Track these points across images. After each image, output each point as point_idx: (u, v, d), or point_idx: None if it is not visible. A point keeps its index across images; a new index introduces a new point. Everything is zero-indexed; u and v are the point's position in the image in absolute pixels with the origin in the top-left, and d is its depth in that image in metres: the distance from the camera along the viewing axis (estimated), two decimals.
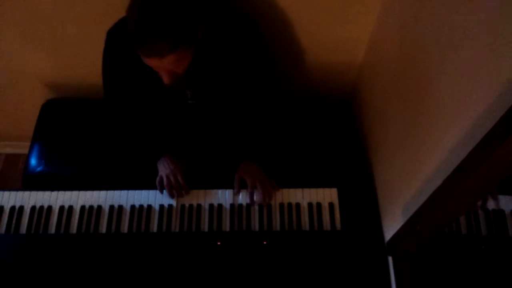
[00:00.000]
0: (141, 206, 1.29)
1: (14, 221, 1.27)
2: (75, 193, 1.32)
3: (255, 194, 1.28)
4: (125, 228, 1.27)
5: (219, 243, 1.23)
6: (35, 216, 1.28)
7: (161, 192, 1.30)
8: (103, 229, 1.26)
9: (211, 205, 1.30)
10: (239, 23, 1.16)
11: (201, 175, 1.36)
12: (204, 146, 1.43)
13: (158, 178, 1.30)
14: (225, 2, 1.21)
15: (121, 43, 1.14)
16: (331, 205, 1.30)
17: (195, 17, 0.98)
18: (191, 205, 1.30)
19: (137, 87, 1.22)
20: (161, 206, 1.29)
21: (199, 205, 1.30)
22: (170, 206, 1.29)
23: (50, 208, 1.29)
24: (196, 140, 1.44)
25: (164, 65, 1.00)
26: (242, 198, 1.31)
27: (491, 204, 1.01)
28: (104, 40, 1.17)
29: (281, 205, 1.30)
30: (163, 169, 1.29)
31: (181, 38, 0.95)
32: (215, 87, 1.23)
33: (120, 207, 1.29)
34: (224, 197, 1.31)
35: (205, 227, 1.27)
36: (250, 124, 1.35)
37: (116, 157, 1.48)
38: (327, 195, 1.32)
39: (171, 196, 1.29)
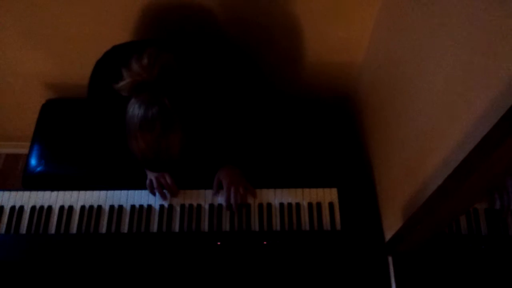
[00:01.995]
0: (141, 206, 1.29)
1: (14, 221, 1.27)
2: (75, 193, 1.32)
3: (229, 197, 1.28)
4: (125, 228, 1.27)
5: (219, 243, 1.23)
6: (35, 216, 1.28)
7: (154, 194, 1.30)
8: (103, 229, 1.26)
9: (211, 205, 1.30)
10: (225, 52, 1.15)
11: (200, 175, 1.37)
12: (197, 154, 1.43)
13: (148, 181, 1.30)
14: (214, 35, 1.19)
15: (107, 77, 1.12)
16: (331, 205, 1.30)
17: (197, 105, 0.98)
18: (191, 205, 1.30)
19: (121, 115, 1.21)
20: (161, 206, 1.29)
21: (199, 205, 1.30)
22: (170, 206, 1.30)
23: (50, 208, 1.29)
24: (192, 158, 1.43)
25: None
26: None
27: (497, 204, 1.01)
28: (92, 69, 1.15)
29: (281, 205, 1.30)
30: (151, 172, 1.30)
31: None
32: (211, 123, 1.22)
33: (120, 207, 1.29)
34: (223, 204, 1.31)
35: (205, 227, 1.27)
36: (235, 128, 1.34)
37: (116, 157, 1.48)
38: (327, 195, 1.32)
39: (163, 197, 1.29)
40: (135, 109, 0.90)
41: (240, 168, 1.33)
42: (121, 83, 0.90)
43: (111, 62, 1.12)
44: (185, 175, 1.39)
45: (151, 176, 1.30)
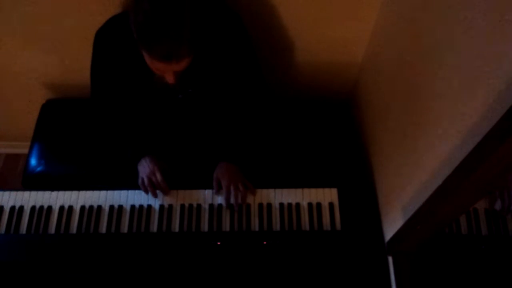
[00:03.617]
0: (141, 206, 1.29)
1: (14, 221, 1.27)
2: (75, 193, 1.32)
3: (230, 196, 1.28)
4: (125, 228, 1.27)
5: (219, 243, 1.23)
6: (35, 216, 1.28)
7: (146, 193, 1.30)
8: (103, 229, 1.26)
9: (211, 205, 1.30)
10: (224, 18, 1.17)
11: (199, 173, 1.37)
12: (192, 144, 1.44)
13: (139, 180, 1.30)
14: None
15: (109, 44, 1.14)
16: (331, 205, 1.30)
17: (203, 19, 0.98)
18: (191, 205, 1.30)
19: (125, 87, 1.23)
20: (161, 206, 1.29)
21: (199, 205, 1.30)
22: (170, 206, 1.30)
23: (50, 208, 1.29)
24: (183, 138, 1.44)
25: (174, 68, 1.00)
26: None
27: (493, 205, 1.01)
28: (93, 41, 1.17)
29: (281, 205, 1.30)
30: (143, 170, 1.30)
31: (195, 45, 0.95)
32: (202, 80, 1.24)
33: (120, 207, 1.29)
34: (224, 203, 1.31)
35: (205, 227, 1.27)
36: (232, 123, 1.35)
37: (116, 157, 1.48)
38: (327, 195, 1.32)
39: (154, 196, 1.29)
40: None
41: (238, 165, 1.32)
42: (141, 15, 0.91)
43: (112, 29, 1.14)
44: (184, 173, 1.39)
45: (142, 174, 1.30)
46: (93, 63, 1.22)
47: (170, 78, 1.04)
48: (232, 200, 1.27)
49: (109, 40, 1.15)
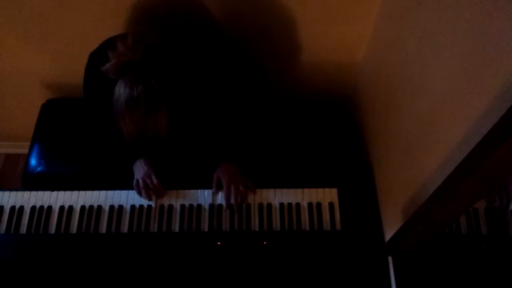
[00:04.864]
0: (141, 206, 1.29)
1: (14, 221, 1.27)
2: (75, 193, 1.32)
3: (230, 196, 1.28)
4: (125, 228, 1.27)
5: (219, 243, 1.23)
6: (35, 216, 1.28)
7: (139, 194, 1.29)
8: (103, 229, 1.26)
9: (211, 205, 1.30)
10: (223, 49, 1.17)
11: (199, 174, 1.36)
12: (193, 145, 1.43)
13: (134, 182, 1.30)
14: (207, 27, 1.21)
15: (99, 66, 1.14)
16: (331, 205, 1.30)
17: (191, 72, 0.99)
18: (191, 205, 1.30)
19: None
20: (161, 206, 1.29)
21: (199, 205, 1.30)
22: (170, 206, 1.30)
23: (50, 208, 1.29)
24: (184, 139, 1.44)
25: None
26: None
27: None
28: (87, 61, 1.17)
29: (281, 205, 1.30)
30: (138, 172, 1.30)
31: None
32: (198, 106, 1.23)
33: (120, 207, 1.29)
34: (224, 203, 1.31)
35: (205, 227, 1.27)
36: (233, 124, 1.35)
37: (115, 157, 1.48)
38: (327, 195, 1.32)
39: (148, 198, 1.29)
40: (121, 89, 0.93)
41: (238, 165, 1.32)
42: (107, 65, 0.92)
43: (103, 52, 1.13)
44: (183, 174, 1.39)
45: (137, 176, 1.30)
46: (84, 82, 1.22)
47: None
48: (232, 200, 1.27)
49: (100, 63, 1.14)
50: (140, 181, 1.28)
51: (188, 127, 1.16)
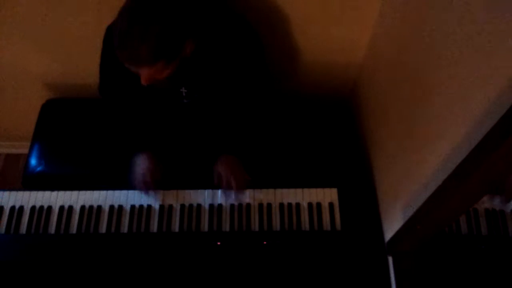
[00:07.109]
0: (141, 206, 1.29)
1: (14, 221, 1.27)
2: (75, 193, 1.32)
3: (230, 185, 1.28)
4: (125, 228, 1.27)
5: (219, 243, 1.23)
6: (35, 216, 1.28)
7: (134, 188, 1.29)
8: (103, 229, 1.26)
9: (211, 205, 1.30)
10: (231, 20, 1.17)
11: (200, 175, 1.36)
12: (194, 145, 1.44)
13: (130, 175, 1.29)
14: (218, 2, 1.21)
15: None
16: (331, 205, 1.30)
17: (182, 33, 0.99)
18: (191, 205, 1.30)
19: (131, 83, 1.23)
20: (161, 206, 1.29)
21: (199, 205, 1.30)
22: (170, 206, 1.30)
23: (50, 208, 1.29)
24: (185, 139, 1.44)
25: (144, 72, 1.02)
26: (244, 198, 1.31)
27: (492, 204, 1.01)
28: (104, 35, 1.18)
29: (281, 205, 1.30)
30: (135, 167, 1.29)
31: (160, 55, 0.97)
32: (210, 85, 1.24)
33: (120, 207, 1.29)
34: (224, 197, 1.31)
35: (205, 227, 1.27)
36: (234, 117, 1.35)
37: (115, 157, 1.48)
38: (327, 195, 1.32)
39: (144, 192, 1.29)
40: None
41: (238, 157, 1.32)
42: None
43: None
44: (184, 173, 1.39)
45: (135, 170, 1.29)
46: (102, 56, 1.24)
47: (141, 79, 1.05)
48: (233, 197, 1.27)
49: None
50: (137, 176, 1.28)
51: (202, 92, 1.19)
